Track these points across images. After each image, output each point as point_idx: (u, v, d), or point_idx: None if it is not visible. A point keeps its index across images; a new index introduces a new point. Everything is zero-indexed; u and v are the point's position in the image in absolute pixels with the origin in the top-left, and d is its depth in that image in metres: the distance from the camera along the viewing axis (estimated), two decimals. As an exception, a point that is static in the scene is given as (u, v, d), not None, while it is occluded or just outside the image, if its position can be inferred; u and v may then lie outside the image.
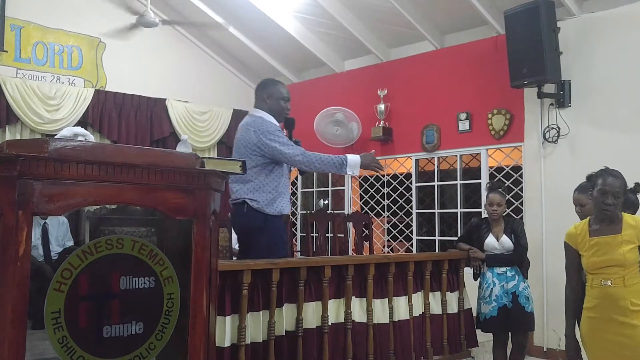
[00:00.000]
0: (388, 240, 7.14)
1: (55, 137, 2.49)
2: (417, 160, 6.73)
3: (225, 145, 7.97)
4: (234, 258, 5.43)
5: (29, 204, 1.51)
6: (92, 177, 1.59)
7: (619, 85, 5.08)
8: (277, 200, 3.49)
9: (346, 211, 7.19)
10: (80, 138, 2.42)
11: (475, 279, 4.36)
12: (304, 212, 7.61)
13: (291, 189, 3.65)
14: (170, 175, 1.73)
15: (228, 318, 3.03)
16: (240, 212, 3.50)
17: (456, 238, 6.28)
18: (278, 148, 3.41)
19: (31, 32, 6.67)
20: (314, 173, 3.78)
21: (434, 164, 6.57)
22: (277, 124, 3.59)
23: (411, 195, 6.72)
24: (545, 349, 5.33)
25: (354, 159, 3.50)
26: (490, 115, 5.96)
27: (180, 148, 2.38)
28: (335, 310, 3.57)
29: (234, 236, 5.86)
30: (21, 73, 6.57)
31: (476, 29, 6.20)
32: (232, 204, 3.56)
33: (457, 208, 6.31)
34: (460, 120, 6.21)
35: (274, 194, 3.47)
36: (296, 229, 7.69)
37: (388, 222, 7.10)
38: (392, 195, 6.94)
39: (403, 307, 3.94)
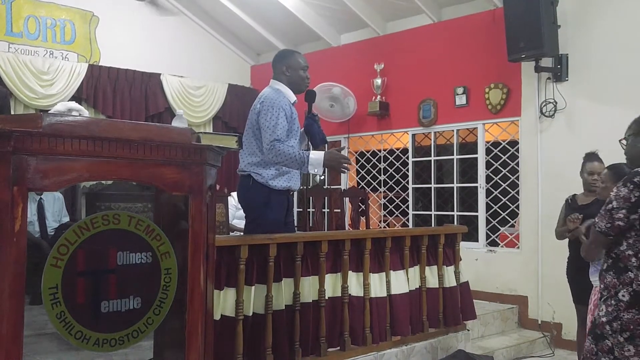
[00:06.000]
0: (384, 215, 7.17)
1: (50, 112, 2.47)
2: (413, 135, 6.72)
3: (220, 121, 7.94)
4: (237, 233, 5.44)
5: (24, 180, 1.49)
6: (87, 152, 1.58)
7: (617, 59, 5.05)
8: (283, 176, 3.46)
9: (343, 186, 7.19)
10: (74, 113, 2.40)
11: None
12: (301, 187, 7.61)
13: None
14: (166, 150, 1.72)
15: (221, 292, 3.05)
16: (245, 185, 3.47)
17: (451, 213, 6.31)
18: (261, 128, 3.36)
19: (22, 6, 6.56)
20: (310, 147, 3.73)
21: (431, 139, 6.56)
22: (292, 99, 3.52)
23: (407, 170, 6.72)
24: (539, 322, 5.40)
25: (316, 157, 3.30)
26: (487, 90, 5.94)
27: (175, 123, 2.36)
28: (332, 285, 3.59)
29: (231, 211, 5.87)
30: (13, 47, 6.49)
31: (474, 2, 6.13)
32: (239, 175, 3.54)
33: (453, 183, 6.32)
34: (457, 94, 6.18)
35: (279, 170, 3.43)
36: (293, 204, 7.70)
37: (384, 197, 7.12)
38: (389, 171, 6.94)
39: (399, 281, 3.97)
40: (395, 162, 6.88)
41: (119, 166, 1.66)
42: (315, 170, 3.33)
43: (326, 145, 6.51)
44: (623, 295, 2.36)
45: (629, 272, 2.36)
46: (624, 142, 2.64)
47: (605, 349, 2.39)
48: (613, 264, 2.44)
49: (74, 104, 2.43)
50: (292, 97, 3.53)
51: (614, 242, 2.45)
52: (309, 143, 3.65)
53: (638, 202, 2.32)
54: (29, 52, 6.59)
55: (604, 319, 2.40)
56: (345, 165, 3.41)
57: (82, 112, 2.37)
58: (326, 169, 3.55)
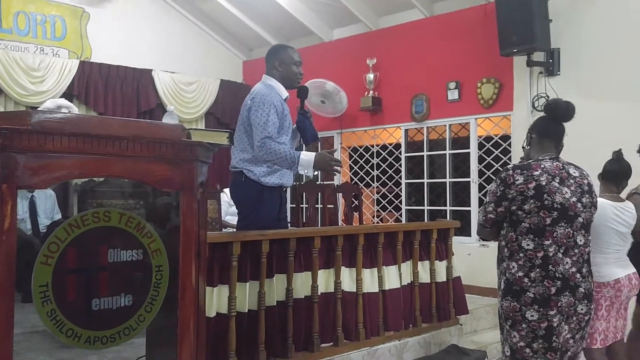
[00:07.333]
0: (377, 211, 7.18)
1: (39, 109, 2.45)
2: (406, 131, 6.73)
3: (213, 116, 7.91)
4: (230, 229, 5.43)
5: (13, 178, 1.48)
6: (76, 149, 1.57)
7: (609, 53, 5.07)
8: (275, 173, 3.43)
9: (336, 182, 7.19)
10: (64, 110, 2.38)
11: None
12: (294, 183, 7.61)
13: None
14: (156, 147, 1.71)
15: (215, 289, 3.05)
16: (238, 181, 3.45)
17: (444, 208, 6.32)
18: (252, 125, 3.33)
19: (12, 1, 6.51)
20: (301, 145, 3.73)
21: (423, 134, 6.57)
22: (284, 95, 3.48)
23: (400, 165, 6.73)
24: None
25: (307, 158, 3.28)
26: (479, 84, 5.94)
27: (166, 119, 2.35)
28: (325, 280, 3.59)
29: (223, 208, 5.86)
30: (3, 44, 6.44)
31: (466, -4, 6.14)
32: (231, 171, 3.51)
33: (446, 178, 6.34)
34: (450, 89, 6.19)
35: (271, 167, 3.39)
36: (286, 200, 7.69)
37: (377, 193, 7.12)
38: (382, 166, 6.95)
39: (392, 276, 3.97)
40: (388, 158, 6.89)
41: (109, 163, 1.65)
42: (306, 172, 3.32)
43: (319, 142, 6.50)
44: (501, 285, 2.56)
45: (504, 262, 2.55)
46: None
47: (504, 337, 2.57)
48: (498, 254, 2.64)
49: (63, 101, 2.42)
50: (284, 93, 3.50)
51: (498, 235, 2.63)
52: (301, 140, 3.64)
53: (502, 196, 2.49)
54: (19, 48, 6.54)
55: (499, 310, 2.60)
56: (336, 168, 3.39)
57: (72, 108, 2.36)
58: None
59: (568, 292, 2.43)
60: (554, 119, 2.64)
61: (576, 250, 2.48)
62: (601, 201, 3.00)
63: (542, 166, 2.50)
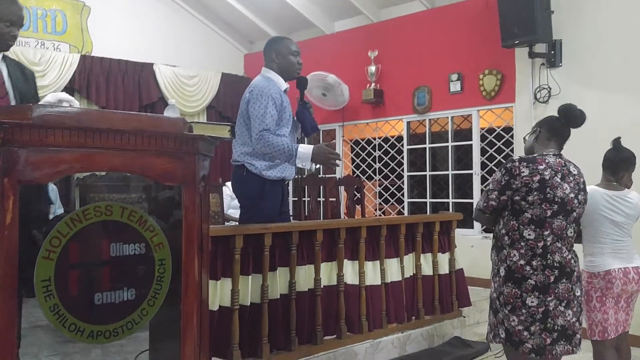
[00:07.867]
0: (380, 204, 7.17)
1: (40, 103, 2.44)
2: (408, 123, 6.71)
3: (214, 110, 7.90)
4: (233, 223, 5.43)
5: (14, 172, 1.48)
6: (77, 143, 1.56)
7: (610, 44, 5.04)
8: (277, 166, 3.41)
9: (338, 175, 7.18)
10: (64, 104, 2.37)
11: None
12: (296, 176, 7.59)
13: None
14: (157, 140, 1.70)
15: (218, 282, 3.05)
16: (239, 175, 3.44)
17: (446, 200, 6.32)
18: (250, 118, 3.31)
19: (12, -4, 6.49)
20: (303, 137, 3.72)
21: (425, 126, 6.55)
22: (283, 87, 3.47)
23: (402, 157, 6.72)
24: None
25: (304, 151, 3.26)
26: (481, 76, 5.92)
27: (167, 113, 2.34)
28: (327, 273, 3.60)
29: (226, 201, 5.86)
30: (4, 38, 6.42)
31: (467, -13, 6.11)
32: (233, 165, 3.50)
33: (448, 170, 6.33)
34: (452, 81, 6.17)
35: (273, 160, 3.38)
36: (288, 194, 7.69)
37: (380, 185, 7.11)
38: (384, 159, 6.94)
39: (395, 269, 3.98)
40: (390, 150, 6.87)
41: (111, 157, 1.65)
42: (304, 165, 3.31)
43: (320, 133, 6.47)
44: (501, 271, 2.69)
45: (504, 250, 2.69)
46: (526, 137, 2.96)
47: (499, 320, 2.68)
48: (495, 243, 2.79)
49: (64, 95, 2.40)
50: (283, 85, 3.48)
51: (495, 222, 2.80)
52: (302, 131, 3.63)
53: (507, 185, 2.64)
54: (19, 42, 6.51)
55: (494, 294, 2.73)
56: (334, 161, 3.38)
57: (73, 102, 2.34)
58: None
59: (565, 279, 2.60)
60: (566, 122, 2.80)
61: (567, 241, 2.66)
62: (592, 188, 3.03)
63: (547, 161, 2.65)
